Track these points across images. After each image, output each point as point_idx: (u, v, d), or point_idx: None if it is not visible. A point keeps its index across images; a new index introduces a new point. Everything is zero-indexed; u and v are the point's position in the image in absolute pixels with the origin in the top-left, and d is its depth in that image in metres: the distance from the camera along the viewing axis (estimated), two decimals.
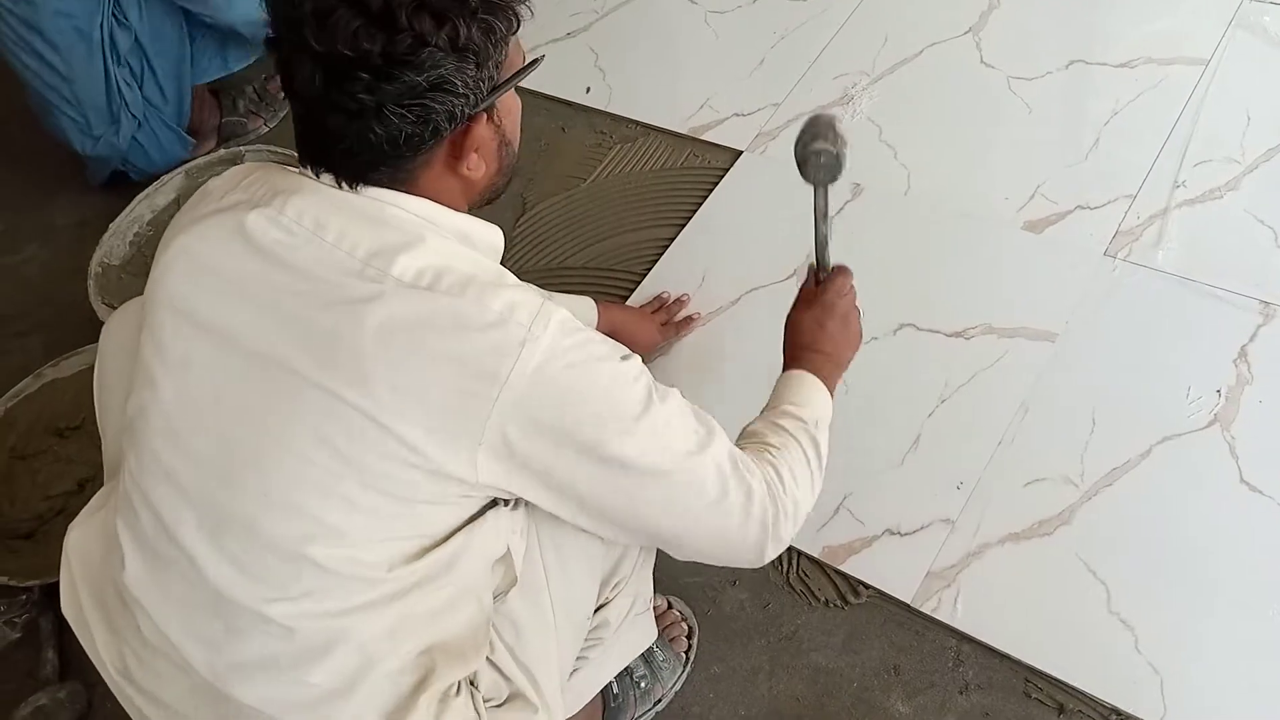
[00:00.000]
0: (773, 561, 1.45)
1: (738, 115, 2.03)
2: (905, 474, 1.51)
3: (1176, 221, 1.68)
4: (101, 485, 1.72)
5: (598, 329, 1.51)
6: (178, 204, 2.12)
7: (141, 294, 1.10)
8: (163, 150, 2.17)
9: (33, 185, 2.39)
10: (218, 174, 2.16)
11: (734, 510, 1.02)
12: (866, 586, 1.44)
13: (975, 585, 1.40)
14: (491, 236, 1.02)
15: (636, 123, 2.10)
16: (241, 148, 2.15)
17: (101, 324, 1.87)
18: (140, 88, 2.09)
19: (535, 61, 1.02)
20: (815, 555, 1.47)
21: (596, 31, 2.29)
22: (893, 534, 1.46)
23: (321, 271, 0.93)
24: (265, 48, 0.96)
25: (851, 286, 1.28)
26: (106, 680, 1.06)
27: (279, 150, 2.13)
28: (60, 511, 1.72)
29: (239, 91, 2.27)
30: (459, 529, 0.98)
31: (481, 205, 1.05)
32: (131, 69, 2.07)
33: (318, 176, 0.96)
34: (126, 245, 2.07)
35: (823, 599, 1.45)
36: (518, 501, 1.02)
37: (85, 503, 1.69)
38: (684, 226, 1.89)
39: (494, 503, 1.00)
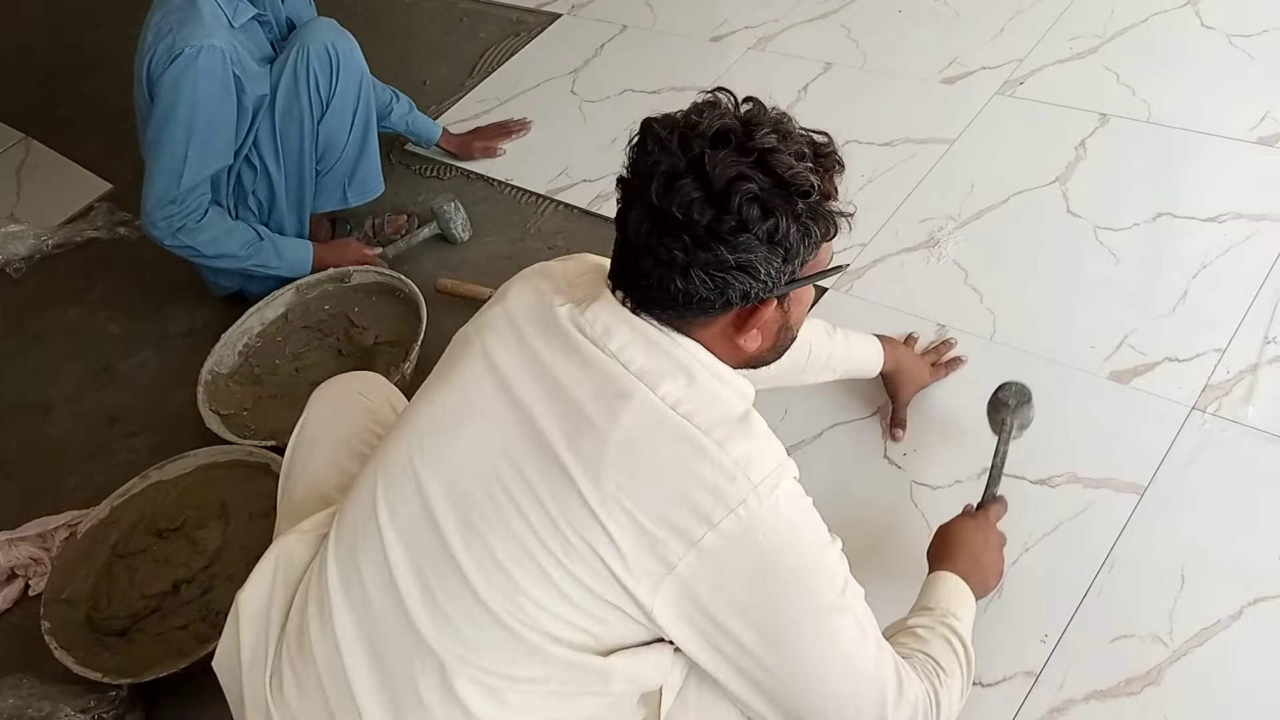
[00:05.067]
0: None
1: None
2: (988, 622, 1.48)
3: (1267, 377, 1.67)
4: (197, 585, 1.80)
5: (884, 368, 1.66)
6: (286, 318, 2.23)
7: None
8: (279, 280, 2.28)
9: (150, 294, 2.54)
10: (327, 292, 2.30)
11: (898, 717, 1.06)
12: None
13: None
14: (746, 387, 1.10)
15: None
16: (350, 268, 2.26)
17: (208, 429, 1.98)
18: (267, 218, 2.22)
19: (840, 267, 1.13)
20: None
21: None
22: (975, 684, 1.43)
23: (598, 365, 1.04)
24: (617, 185, 1.07)
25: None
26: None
27: (385, 272, 2.24)
28: (155, 611, 1.78)
29: (356, 223, 2.39)
30: (624, 648, 1.04)
31: (740, 368, 1.12)
32: (261, 203, 2.20)
33: (613, 293, 1.08)
34: (235, 355, 2.18)
35: None
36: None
37: (180, 603, 1.78)
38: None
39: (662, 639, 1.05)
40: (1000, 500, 1.49)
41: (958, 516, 1.44)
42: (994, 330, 1.86)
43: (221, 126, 2.01)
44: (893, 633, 1.23)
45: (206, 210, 2.06)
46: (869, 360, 1.67)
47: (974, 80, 2.37)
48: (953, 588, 1.30)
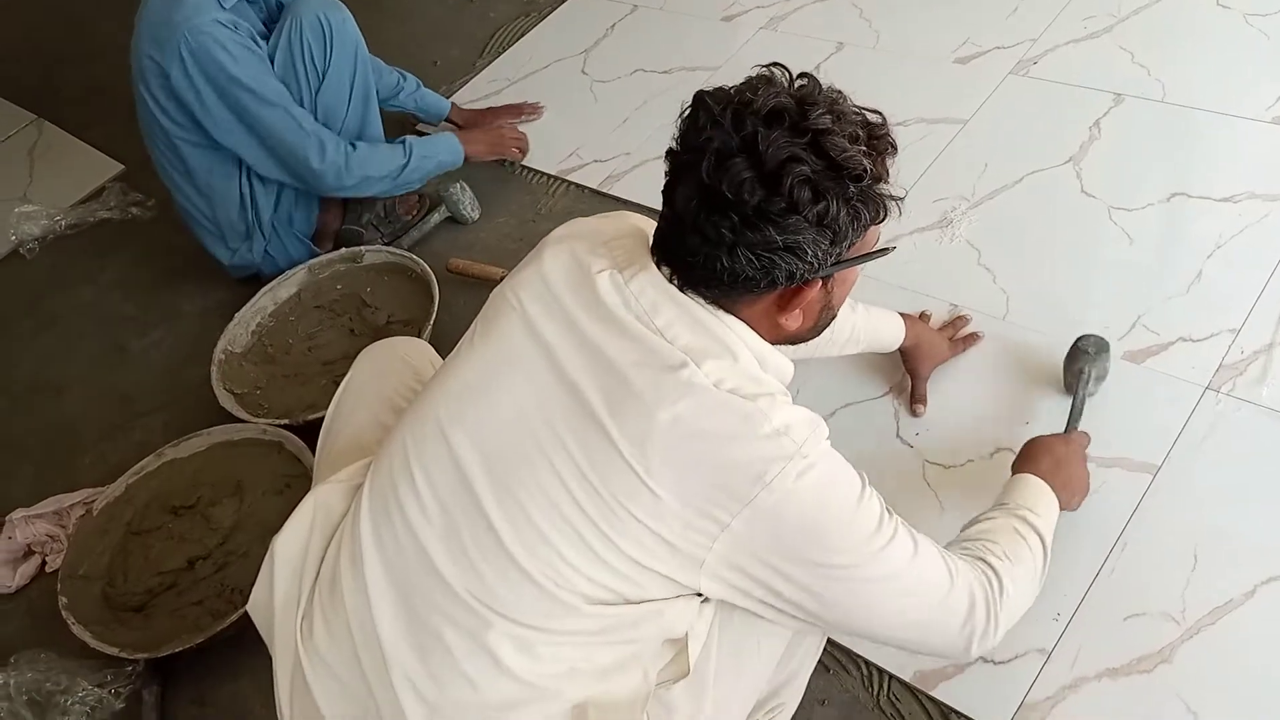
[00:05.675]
0: (864, 683, 1.47)
1: None
2: None
3: None
4: (211, 562, 1.81)
5: (904, 343, 1.71)
6: (299, 297, 2.24)
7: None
8: (291, 260, 2.30)
9: (163, 274, 2.54)
10: (339, 272, 2.31)
11: (954, 616, 1.11)
12: (958, 714, 1.42)
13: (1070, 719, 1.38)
14: (783, 366, 1.12)
15: None
16: (362, 247, 2.27)
17: (222, 408, 1.99)
18: (277, 201, 2.23)
19: (886, 249, 1.12)
20: (906, 679, 1.46)
21: None
22: (986, 661, 1.44)
23: (644, 340, 1.04)
24: (665, 158, 1.05)
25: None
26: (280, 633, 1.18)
27: (397, 252, 2.24)
28: (170, 587, 1.79)
29: (369, 203, 2.39)
30: (653, 601, 1.06)
31: (778, 344, 1.13)
32: (265, 183, 2.20)
33: (659, 268, 1.08)
34: (249, 335, 2.18)
35: None
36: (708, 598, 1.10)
37: (195, 580, 1.79)
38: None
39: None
40: (1084, 433, 1.53)
41: (1045, 437, 1.46)
42: (1007, 310, 1.86)
43: (274, 76, 2.07)
44: (966, 527, 1.27)
45: (342, 146, 2.13)
46: (891, 333, 1.68)
47: (987, 60, 2.36)
48: (1031, 484, 1.33)
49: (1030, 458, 1.41)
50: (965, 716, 1.41)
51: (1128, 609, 1.45)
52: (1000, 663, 1.44)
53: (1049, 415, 1.67)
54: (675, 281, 1.07)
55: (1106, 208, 1.97)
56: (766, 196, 0.97)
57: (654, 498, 1.00)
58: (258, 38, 2.06)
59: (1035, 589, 1.23)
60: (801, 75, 1.05)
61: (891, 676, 1.47)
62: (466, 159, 2.33)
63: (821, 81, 1.05)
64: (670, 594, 1.06)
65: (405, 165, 2.19)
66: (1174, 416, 1.64)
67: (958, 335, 1.81)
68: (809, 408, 1.07)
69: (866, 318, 1.63)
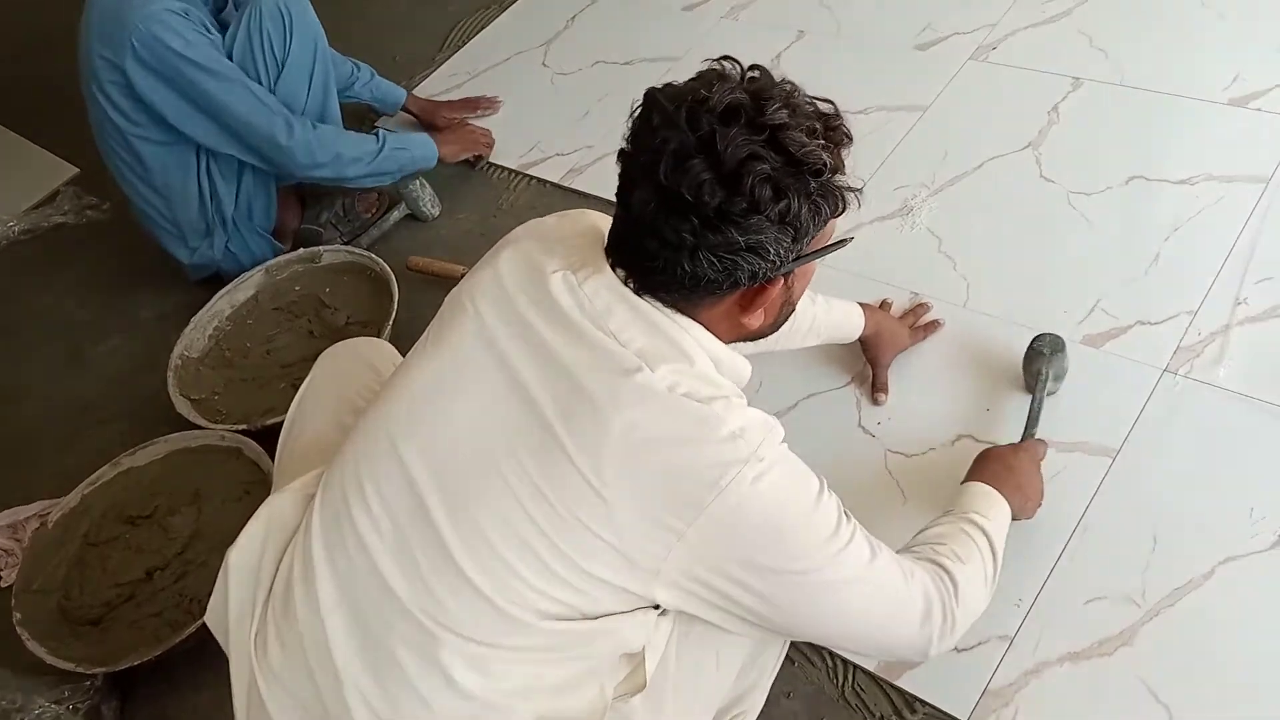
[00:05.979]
0: (828, 674, 1.47)
1: None
2: None
3: (1238, 339, 1.67)
4: (170, 572, 1.79)
5: (864, 332, 1.69)
6: (256, 300, 2.21)
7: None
8: (253, 256, 2.27)
9: (120, 277, 2.51)
10: (297, 273, 2.28)
11: (912, 617, 1.11)
12: (922, 703, 1.41)
13: (1034, 705, 1.38)
14: (740, 367, 1.10)
15: None
16: (320, 247, 2.24)
17: (179, 415, 1.96)
18: (236, 195, 2.19)
19: (844, 240, 1.10)
20: (871, 669, 1.46)
21: None
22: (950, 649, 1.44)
23: (598, 344, 1.03)
24: (618, 159, 1.03)
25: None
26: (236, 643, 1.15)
27: (355, 251, 2.21)
28: (129, 599, 1.76)
29: (328, 202, 2.37)
30: (609, 615, 1.05)
31: (738, 342, 1.12)
32: (224, 178, 2.17)
33: (614, 270, 1.06)
34: (206, 339, 2.15)
35: (878, 714, 1.43)
36: (665, 611, 1.08)
37: (154, 591, 1.77)
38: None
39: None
40: (1040, 441, 1.52)
41: (1000, 447, 1.47)
42: (967, 297, 1.85)
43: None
44: (915, 535, 1.27)
45: (308, 124, 2.10)
46: (850, 324, 1.67)
47: (947, 46, 2.35)
48: (978, 491, 1.33)
49: (979, 467, 1.40)
50: (930, 705, 1.41)
51: (1088, 593, 1.46)
52: (963, 650, 1.43)
53: (1010, 402, 1.67)
54: (631, 284, 1.05)
55: (1065, 192, 1.97)
56: (727, 197, 0.95)
57: (607, 508, 0.98)
58: (210, 26, 2.04)
59: (988, 591, 1.22)
60: (753, 68, 1.03)
61: (856, 667, 1.47)
62: (440, 160, 2.30)
63: (773, 73, 1.03)
64: (626, 607, 1.04)
65: (379, 151, 2.17)
66: (1132, 399, 1.64)
67: (918, 323, 1.80)
68: (771, 399, 1.07)
69: (826, 309, 1.62)
